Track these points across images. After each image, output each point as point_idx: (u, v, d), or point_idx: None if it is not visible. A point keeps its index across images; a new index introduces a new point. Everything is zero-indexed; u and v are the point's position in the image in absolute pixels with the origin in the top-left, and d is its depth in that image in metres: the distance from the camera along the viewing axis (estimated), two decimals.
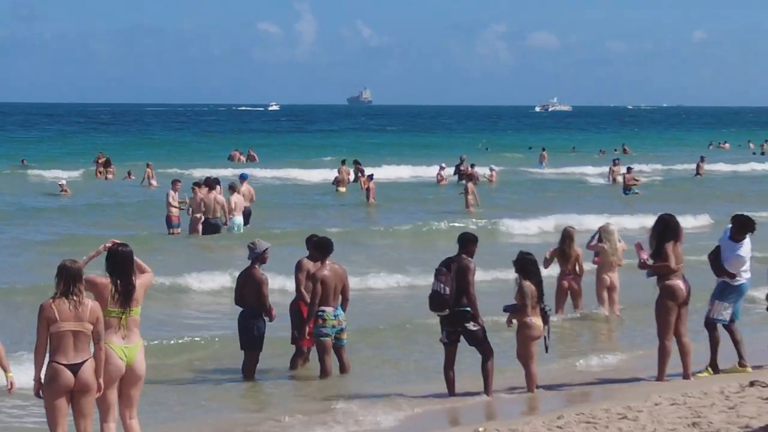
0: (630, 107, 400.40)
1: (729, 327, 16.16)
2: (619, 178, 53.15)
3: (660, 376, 15.87)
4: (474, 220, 37.17)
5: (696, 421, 11.55)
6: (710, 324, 16.11)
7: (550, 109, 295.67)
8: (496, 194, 49.91)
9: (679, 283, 15.56)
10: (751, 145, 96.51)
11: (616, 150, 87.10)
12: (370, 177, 47.01)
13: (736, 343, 16.25)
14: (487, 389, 15.41)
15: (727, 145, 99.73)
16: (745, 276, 16.05)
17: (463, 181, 53.22)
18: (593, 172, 65.18)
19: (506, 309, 15.73)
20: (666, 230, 15.67)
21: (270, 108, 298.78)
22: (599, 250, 21.36)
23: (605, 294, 21.29)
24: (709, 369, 16.17)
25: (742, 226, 16.01)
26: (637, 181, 51.07)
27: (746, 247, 16.02)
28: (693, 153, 76.81)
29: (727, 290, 15.97)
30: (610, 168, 57.56)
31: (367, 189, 45.81)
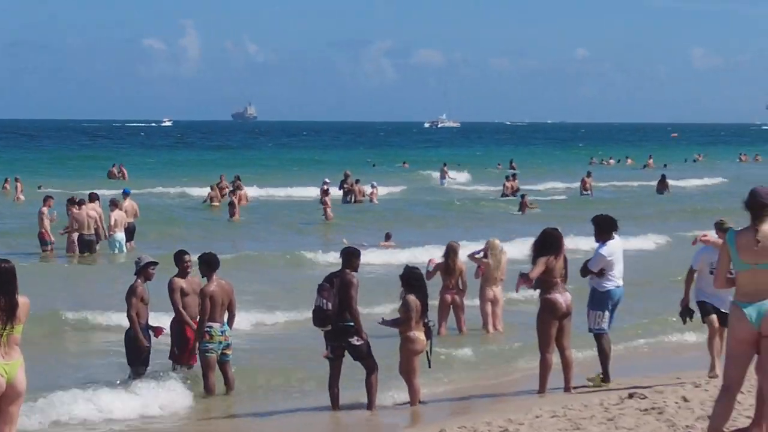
0: (508, 123, 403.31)
1: (600, 338, 16.31)
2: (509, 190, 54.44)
3: (541, 389, 16.04)
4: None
5: None
6: (595, 335, 16.30)
7: (439, 125, 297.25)
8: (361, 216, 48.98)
9: (558, 296, 15.71)
10: (629, 161, 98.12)
11: (499, 165, 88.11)
12: (233, 192, 46.87)
13: (604, 356, 16.41)
14: (370, 404, 15.44)
15: (611, 161, 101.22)
16: (614, 282, 16.24)
17: (349, 198, 53.50)
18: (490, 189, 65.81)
19: (385, 323, 15.84)
20: (546, 243, 15.82)
21: (163, 124, 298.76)
22: (482, 264, 21.57)
23: (489, 308, 21.49)
24: (600, 379, 16.37)
25: (598, 225, 16.19)
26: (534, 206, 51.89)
27: (611, 248, 16.20)
28: (580, 169, 77.57)
29: (596, 297, 16.05)
30: (504, 184, 58.12)
31: (230, 204, 45.16)
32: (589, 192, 60.11)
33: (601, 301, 16.06)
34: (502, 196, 57.61)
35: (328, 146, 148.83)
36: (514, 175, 60.16)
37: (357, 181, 55.73)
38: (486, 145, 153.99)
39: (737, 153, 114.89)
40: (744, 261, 9.75)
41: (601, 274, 16.06)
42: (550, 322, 15.81)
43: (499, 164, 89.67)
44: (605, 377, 16.38)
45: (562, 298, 15.74)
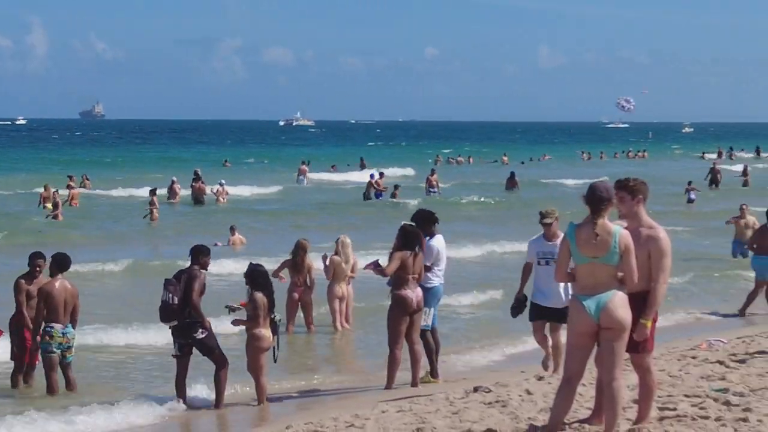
0: (353, 121, 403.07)
1: (425, 335, 16.52)
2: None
3: (388, 384, 16.14)
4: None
5: (420, 426, 11.75)
6: (421, 331, 16.47)
7: (294, 124, 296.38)
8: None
9: (409, 293, 15.82)
10: (505, 158, 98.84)
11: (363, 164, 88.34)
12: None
13: (430, 352, 16.63)
14: (218, 400, 15.37)
15: (460, 159, 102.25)
16: (435, 280, 16.45)
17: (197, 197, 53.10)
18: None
19: (236, 322, 15.79)
20: (403, 239, 15.93)
21: (18, 122, 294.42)
22: (334, 261, 21.62)
23: (336, 305, 21.54)
24: (429, 375, 16.55)
25: (417, 221, 16.33)
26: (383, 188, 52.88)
27: (436, 242, 16.44)
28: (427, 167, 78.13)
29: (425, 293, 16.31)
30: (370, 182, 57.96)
31: (54, 204, 44.24)
32: (435, 190, 60.44)
33: (426, 297, 16.23)
34: (364, 196, 56.83)
35: (178, 144, 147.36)
36: (381, 174, 60.09)
37: (201, 180, 55.01)
38: (341, 145, 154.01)
39: (583, 151, 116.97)
40: (583, 255, 9.93)
41: (428, 269, 16.25)
42: (400, 318, 15.92)
43: (338, 165, 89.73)
44: (433, 373, 16.57)
45: (413, 294, 15.85)
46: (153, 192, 45.46)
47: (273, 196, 59.63)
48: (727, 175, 70.92)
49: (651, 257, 10.13)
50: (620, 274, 9.97)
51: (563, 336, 14.12)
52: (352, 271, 21.84)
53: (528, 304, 15.98)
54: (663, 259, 10.17)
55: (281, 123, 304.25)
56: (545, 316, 15.66)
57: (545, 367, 15.79)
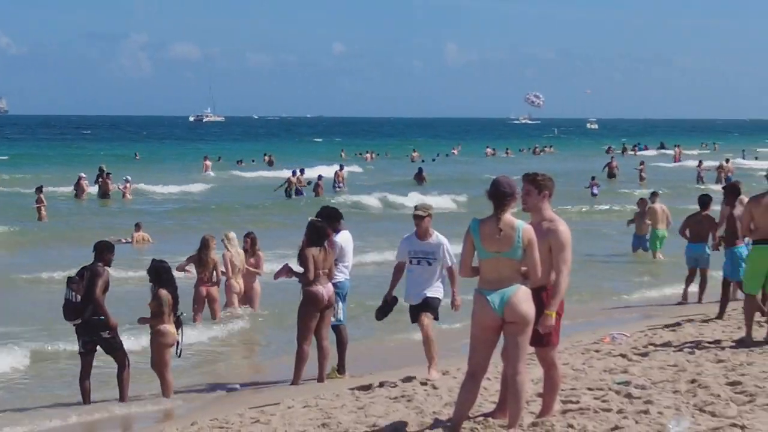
0: (256, 117, 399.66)
1: (335, 329, 16.58)
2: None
3: (295, 380, 16.13)
4: None
5: (326, 422, 11.75)
6: (333, 327, 16.52)
7: (204, 120, 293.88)
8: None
9: (320, 288, 15.83)
10: (368, 155, 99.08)
11: (263, 157, 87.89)
12: None
13: (339, 347, 16.68)
14: (122, 398, 15.26)
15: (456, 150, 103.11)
16: (340, 275, 16.50)
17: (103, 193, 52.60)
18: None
19: (142, 321, 15.70)
20: (313, 236, 15.94)
21: None
22: (226, 257, 21.65)
23: (235, 300, 21.55)
24: (335, 371, 16.57)
25: (324, 217, 16.35)
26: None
27: (341, 238, 16.50)
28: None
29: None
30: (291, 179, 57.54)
31: None
32: (341, 185, 60.56)
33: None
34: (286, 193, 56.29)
35: (86, 140, 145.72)
36: (302, 170, 59.88)
37: (108, 175, 54.60)
38: (255, 139, 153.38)
39: (496, 146, 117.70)
40: (487, 250, 9.99)
41: (335, 264, 16.30)
42: (311, 314, 15.93)
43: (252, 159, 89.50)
44: (340, 369, 16.60)
45: (324, 290, 15.87)
46: (39, 190, 44.31)
47: (183, 194, 59.07)
48: (625, 169, 72.54)
49: (552, 250, 10.23)
50: (524, 268, 10.05)
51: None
52: (257, 267, 21.89)
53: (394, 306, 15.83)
54: (563, 252, 10.27)
55: (191, 119, 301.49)
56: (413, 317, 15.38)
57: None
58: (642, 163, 73.16)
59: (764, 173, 15.35)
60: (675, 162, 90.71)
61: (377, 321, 16.30)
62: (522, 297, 9.97)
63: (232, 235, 22.27)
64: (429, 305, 15.17)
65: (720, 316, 18.78)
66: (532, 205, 10.46)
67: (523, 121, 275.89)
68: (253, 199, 53.06)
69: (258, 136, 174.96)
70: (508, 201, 10.01)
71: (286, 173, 60.01)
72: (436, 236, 15.14)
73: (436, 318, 15.40)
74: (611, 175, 70.71)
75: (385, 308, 15.97)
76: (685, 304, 22.47)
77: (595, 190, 55.97)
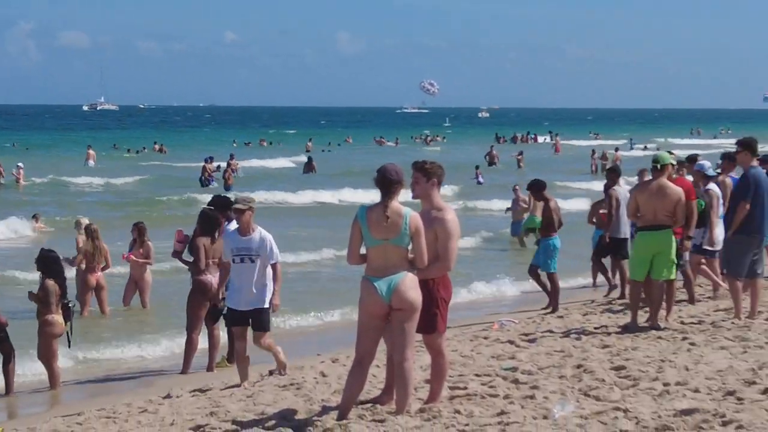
0: (142, 106, 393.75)
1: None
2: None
3: (184, 369, 16.07)
4: None
5: (214, 410, 11.71)
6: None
7: (99, 108, 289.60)
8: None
9: (210, 278, 15.80)
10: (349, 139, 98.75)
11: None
12: None
13: (230, 336, 16.64)
14: (8, 389, 15.08)
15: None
16: None
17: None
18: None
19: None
20: (205, 225, 15.87)
21: None
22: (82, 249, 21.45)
23: (89, 295, 21.25)
24: (225, 360, 16.55)
25: (213, 206, 16.32)
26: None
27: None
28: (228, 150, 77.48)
29: None
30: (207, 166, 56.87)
31: None
32: (236, 173, 60.31)
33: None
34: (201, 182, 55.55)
35: None
36: (210, 159, 59.40)
37: None
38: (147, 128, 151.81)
39: (386, 136, 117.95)
40: (375, 237, 10.02)
41: None
42: (200, 303, 15.90)
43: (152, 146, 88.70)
44: (230, 358, 16.59)
45: (214, 279, 15.82)
46: None
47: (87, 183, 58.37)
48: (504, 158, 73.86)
49: (439, 238, 10.29)
50: (411, 255, 10.11)
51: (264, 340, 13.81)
52: (146, 257, 21.71)
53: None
54: (450, 241, 10.34)
55: (85, 108, 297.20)
56: (242, 321, 13.90)
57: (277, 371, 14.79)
58: (521, 153, 74.28)
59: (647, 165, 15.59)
60: (556, 152, 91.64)
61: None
62: (409, 284, 10.03)
63: (84, 221, 22.14)
64: (260, 322, 13.85)
65: (553, 308, 19.16)
66: (420, 193, 10.51)
67: (412, 110, 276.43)
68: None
69: (151, 124, 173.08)
70: (395, 188, 10.05)
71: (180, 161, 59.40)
72: (259, 231, 13.74)
73: (267, 329, 14.03)
74: (491, 163, 71.85)
75: (216, 313, 15.80)
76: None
77: (481, 179, 56.46)
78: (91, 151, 71.68)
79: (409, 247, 10.11)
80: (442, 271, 10.43)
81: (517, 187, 33.22)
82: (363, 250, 10.19)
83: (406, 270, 10.07)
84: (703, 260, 18.44)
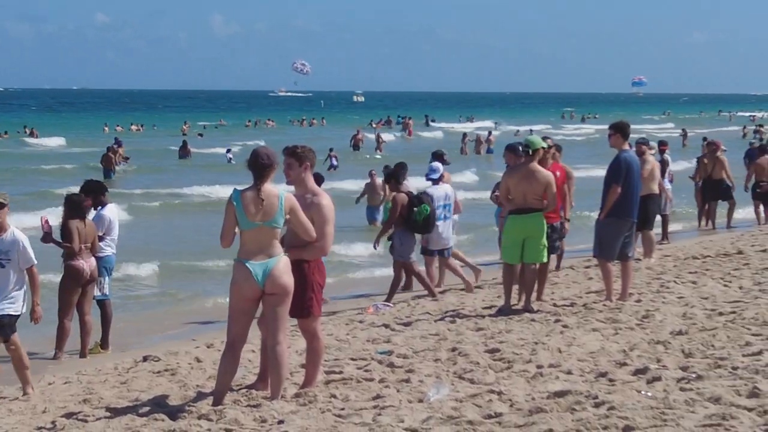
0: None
1: (100, 303, 16.51)
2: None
3: (57, 355, 15.86)
4: None
5: (87, 397, 11.57)
6: (98, 301, 16.35)
7: None
8: None
9: (82, 263, 15.63)
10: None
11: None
12: None
13: (104, 322, 16.57)
14: None
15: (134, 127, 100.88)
16: (108, 249, 16.41)
17: None
18: None
19: None
20: (71, 209, 15.69)
21: None
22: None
23: None
24: (99, 346, 16.39)
25: (84, 191, 16.23)
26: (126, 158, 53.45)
27: (108, 211, 16.37)
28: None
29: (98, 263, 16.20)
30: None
31: None
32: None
33: (99, 267, 16.08)
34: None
35: None
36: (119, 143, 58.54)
37: None
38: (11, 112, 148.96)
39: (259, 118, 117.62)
40: (250, 220, 9.99)
41: (101, 239, 16.12)
42: (73, 288, 15.76)
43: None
44: (104, 344, 16.44)
45: (86, 264, 15.67)
46: None
47: None
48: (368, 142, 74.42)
49: (315, 223, 10.31)
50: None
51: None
52: None
53: None
54: (326, 225, 10.37)
55: None
56: None
57: None
58: (378, 135, 75.03)
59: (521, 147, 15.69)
60: (409, 135, 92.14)
61: None
62: (283, 269, 10.05)
63: None
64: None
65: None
66: (294, 177, 10.51)
67: (284, 94, 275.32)
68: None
69: (18, 107, 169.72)
70: (267, 171, 10.06)
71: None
72: (12, 232, 12.51)
73: (6, 340, 12.75)
74: (356, 147, 72.04)
75: None
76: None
77: (335, 162, 56.03)
78: None
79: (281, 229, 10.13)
80: (318, 254, 10.47)
81: (373, 172, 33.08)
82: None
83: (279, 253, 10.07)
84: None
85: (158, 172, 54.09)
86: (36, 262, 12.62)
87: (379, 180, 31.34)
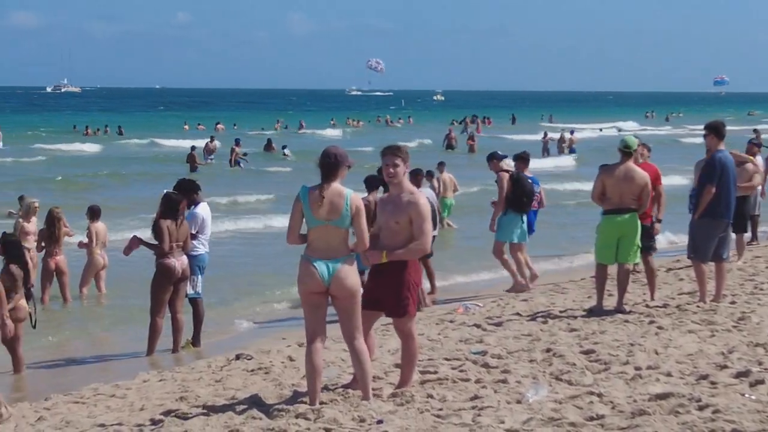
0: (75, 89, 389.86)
1: (192, 302, 16.53)
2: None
3: (149, 352, 16.00)
4: None
5: (183, 395, 11.64)
6: (190, 300, 16.44)
7: (63, 90, 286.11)
8: None
9: (173, 261, 15.75)
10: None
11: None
12: None
13: (196, 320, 16.68)
14: None
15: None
16: (201, 248, 16.46)
17: None
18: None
19: None
20: (167, 208, 15.80)
21: None
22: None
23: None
24: (190, 344, 16.51)
25: (178, 189, 16.41)
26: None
27: (201, 210, 16.45)
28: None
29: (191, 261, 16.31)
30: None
31: None
32: (211, 158, 60.53)
33: (192, 265, 16.21)
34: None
35: None
36: (212, 138, 59.74)
37: None
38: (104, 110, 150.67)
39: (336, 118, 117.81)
40: (316, 217, 9.98)
41: (194, 237, 16.22)
42: (164, 286, 15.87)
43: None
44: (195, 342, 16.55)
45: (177, 263, 15.78)
46: None
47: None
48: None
49: (413, 222, 10.28)
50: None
51: None
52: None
53: None
54: (424, 224, 10.33)
55: (49, 89, 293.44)
56: None
57: None
58: (472, 135, 74.87)
59: (620, 145, 15.57)
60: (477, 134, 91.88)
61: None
62: (348, 271, 10.00)
63: (30, 200, 21.95)
64: None
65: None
66: (399, 177, 10.46)
67: (354, 93, 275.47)
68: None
69: (111, 107, 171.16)
70: (333, 171, 10.02)
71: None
72: None
73: None
74: (450, 146, 71.43)
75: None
76: None
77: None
78: None
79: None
80: (419, 253, 10.43)
81: (431, 172, 32.86)
82: (304, 231, 10.16)
83: (346, 253, 10.04)
84: None
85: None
86: None
87: (447, 174, 31.33)
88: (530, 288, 19.68)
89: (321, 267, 9.96)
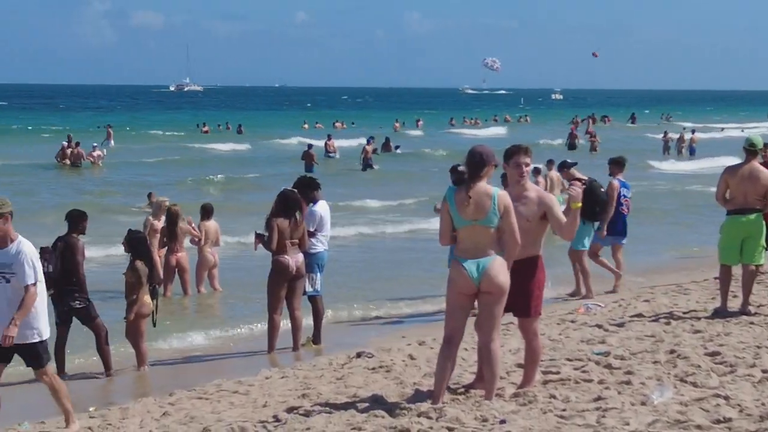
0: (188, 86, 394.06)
1: (311, 299, 16.59)
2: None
3: (270, 349, 16.11)
4: None
5: (306, 392, 11.71)
6: (309, 297, 16.52)
7: (185, 89, 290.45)
8: None
9: (287, 258, 15.82)
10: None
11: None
12: None
13: (316, 318, 16.72)
14: (107, 368, 15.18)
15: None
16: (319, 246, 16.51)
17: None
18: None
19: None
20: (283, 205, 15.90)
21: None
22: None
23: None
24: (310, 341, 16.60)
25: (297, 187, 16.49)
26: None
27: (319, 207, 16.51)
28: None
29: (307, 259, 16.35)
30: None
31: None
32: (333, 153, 60.98)
33: (311, 263, 16.28)
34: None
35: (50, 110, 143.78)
36: (329, 136, 60.92)
37: (78, 144, 54.68)
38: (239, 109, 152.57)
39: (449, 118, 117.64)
40: (463, 218, 9.95)
41: (312, 235, 16.29)
42: (279, 283, 15.93)
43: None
44: (315, 339, 16.63)
45: (292, 260, 15.84)
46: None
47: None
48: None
49: (549, 215, 10.27)
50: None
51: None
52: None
53: None
54: (561, 217, 10.31)
55: (172, 88, 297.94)
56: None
57: None
58: (592, 132, 74.22)
59: (745, 144, 15.31)
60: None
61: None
62: (499, 268, 9.93)
63: (161, 199, 22.24)
64: (30, 356, 11.42)
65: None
66: (526, 177, 10.44)
67: (469, 92, 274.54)
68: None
69: (233, 105, 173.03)
70: (479, 170, 9.96)
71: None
72: (19, 243, 11.14)
73: (41, 365, 11.45)
74: (572, 146, 70.20)
75: None
76: None
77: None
78: (110, 130, 71.11)
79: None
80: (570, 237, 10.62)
81: (537, 168, 32.46)
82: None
83: (495, 252, 9.98)
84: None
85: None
86: (36, 281, 11.11)
87: (555, 172, 31.04)
88: (591, 296, 19.47)
89: (471, 267, 9.91)
